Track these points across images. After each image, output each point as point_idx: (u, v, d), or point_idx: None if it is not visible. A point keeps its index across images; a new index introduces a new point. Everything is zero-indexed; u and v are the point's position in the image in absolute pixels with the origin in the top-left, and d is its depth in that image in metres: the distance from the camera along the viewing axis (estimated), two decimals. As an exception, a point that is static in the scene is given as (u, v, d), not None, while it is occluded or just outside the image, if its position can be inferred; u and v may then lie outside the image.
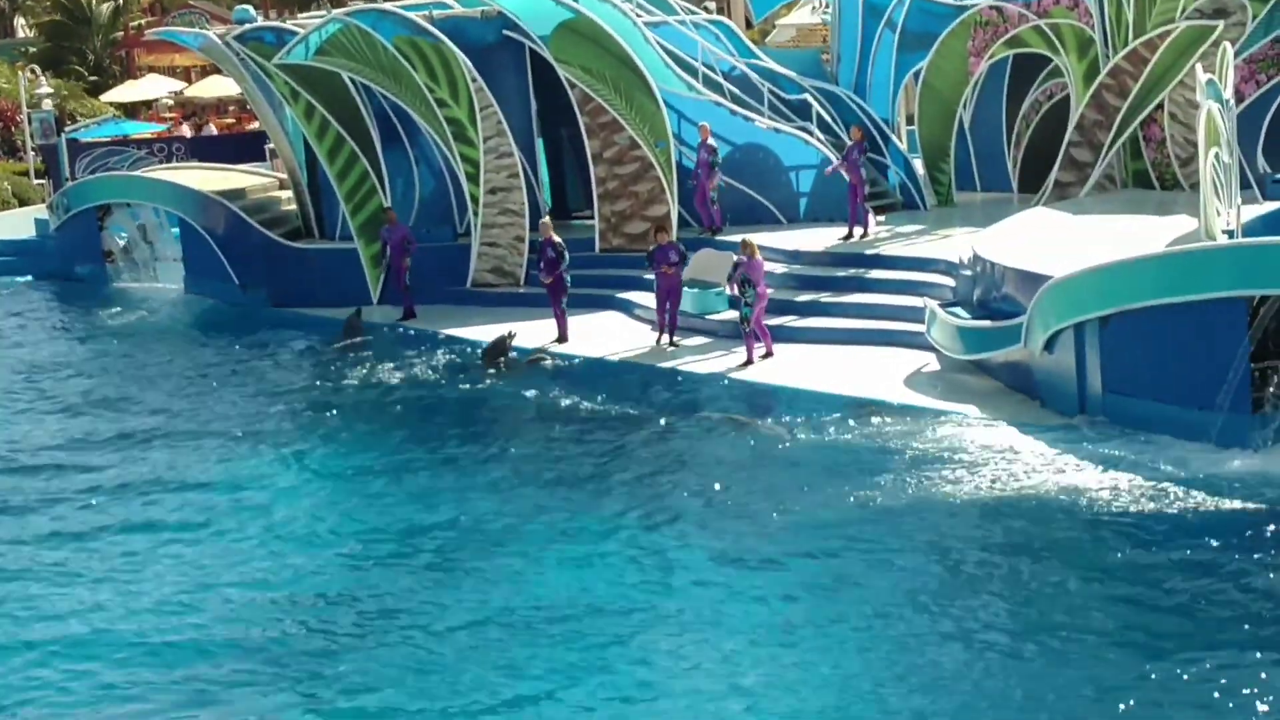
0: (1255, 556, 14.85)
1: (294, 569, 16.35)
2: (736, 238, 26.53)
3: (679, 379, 23.28)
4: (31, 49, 75.83)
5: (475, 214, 29.26)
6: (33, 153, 49.45)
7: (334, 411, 22.83)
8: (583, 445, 20.18)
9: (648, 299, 26.89)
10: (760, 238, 25.29)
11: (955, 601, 14.39)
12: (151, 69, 69.15)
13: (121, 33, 75.36)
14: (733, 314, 24.58)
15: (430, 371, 24.70)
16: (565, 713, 12.72)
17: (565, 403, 22.30)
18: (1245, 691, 12.16)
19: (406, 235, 28.64)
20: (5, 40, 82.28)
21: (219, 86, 59.35)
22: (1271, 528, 15.52)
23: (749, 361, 23.22)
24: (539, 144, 30.89)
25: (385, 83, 29.52)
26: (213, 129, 51.27)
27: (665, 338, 24.66)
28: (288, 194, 33.26)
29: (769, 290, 23.64)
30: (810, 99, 30.04)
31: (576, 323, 25.90)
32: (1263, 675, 12.44)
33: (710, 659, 13.48)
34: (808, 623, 14.16)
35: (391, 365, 25.21)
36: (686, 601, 14.78)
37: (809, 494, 17.47)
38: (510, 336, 24.93)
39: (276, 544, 17.14)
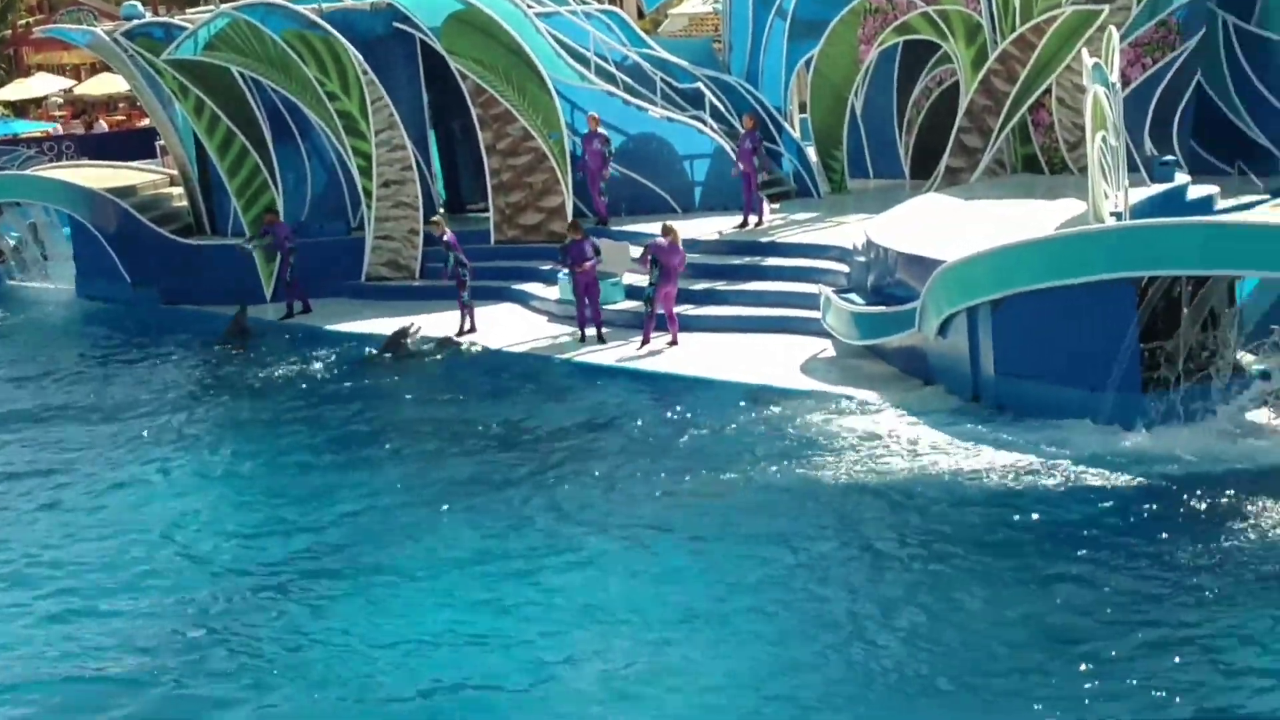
0: (1145, 534, 15.02)
1: (175, 569, 16.16)
2: (632, 227, 26.66)
3: (578, 368, 23.24)
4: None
5: (369, 208, 29.09)
6: (-82, 153, 48.61)
7: (221, 410, 22.61)
8: (478, 436, 20.09)
9: (543, 290, 26.89)
10: (655, 227, 25.31)
11: (848, 586, 14.46)
12: (40, 67, 68.11)
13: (9, 31, 74.17)
14: (632, 303, 24.60)
15: (321, 367, 24.47)
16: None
17: (462, 394, 22.21)
18: (1131, 667, 12.33)
19: (287, 233, 28.36)
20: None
21: (109, 84, 58.58)
22: (1160, 505, 15.72)
23: (646, 341, 23.28)
24: (431, 136, 30.73)
25: (275, 77, 29.26)
26: (103, 126, 50.69)
27: (591, 332, 24.33)
28: (179, 190, 32.90)
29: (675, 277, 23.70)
30: (703, 88, 30.07)
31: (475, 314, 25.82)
32: (1148, 651, 12.62)
33: (597, 649, 13.45)
34: (699, 608, 14.15)
35: (281, 362, 24.97)
36: (572, 590, 14.74)
37: (705, 480, 17.48)
38: (413, 330, 24.79)
39: (158, 544, 16.94)
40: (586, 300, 24.36)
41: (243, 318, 27.32)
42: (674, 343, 23.44)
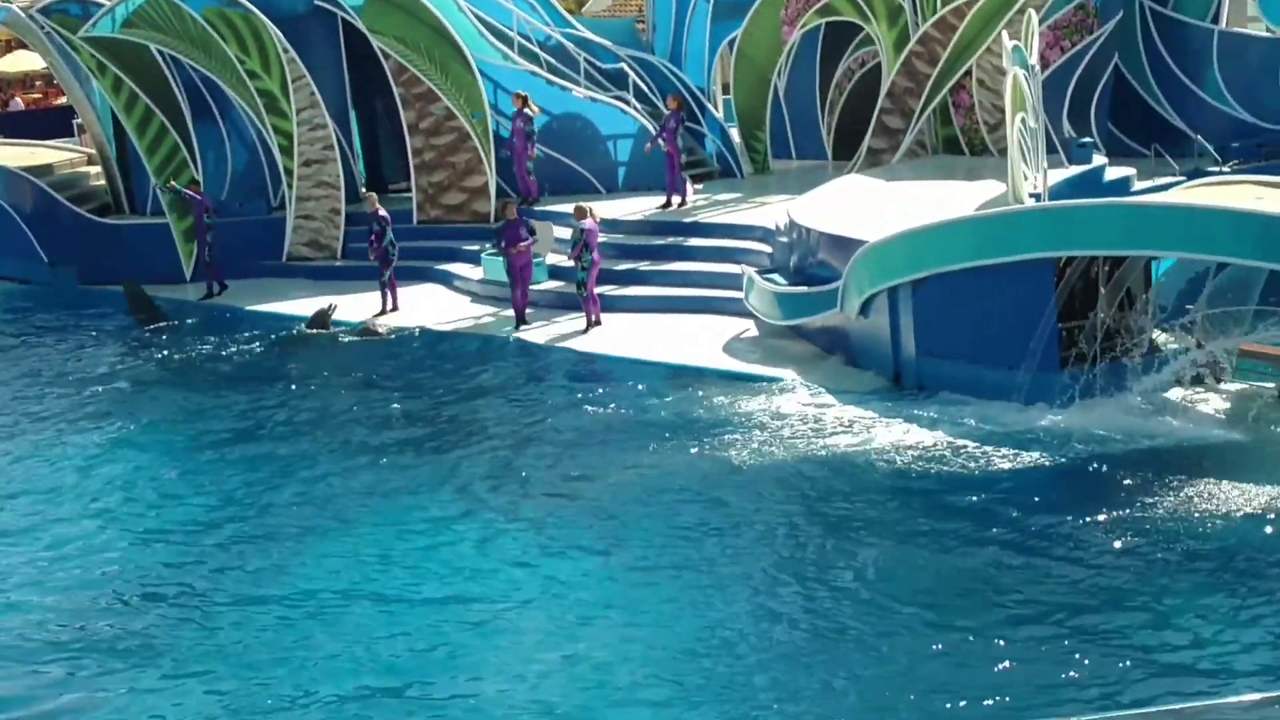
0: (1061, 510, 15.20)
1: (88, 549, 16.07)
2: (555, 207, 26.61)
3: (499, 346, 23.22)
4: None
5: (290, 187, 28.91)
6: None
7: (139, 390, 22.38)
8: (407, 418, 20.04)
9: (467, 270, 26.81)
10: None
11: (766, 568, 14.52)
12: (-47, 43, 67.10)
13: (-80, 6, 73.08)
14: (555, 284, 24.58)
15: (241, 347, 24.32)
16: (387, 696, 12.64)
17: (382, 375, 22.16)
18: (1045, 645, 12.46)
19: (209, 206, 28.15)
20: None
21: (24, 61, 57.75)
22: (1077, 482, 15.92)
23: (596, 324, 23.34)
24: (353, 116, 30.55)
25: (195, 55, 29.00)
26: (19, 104, 50.01)
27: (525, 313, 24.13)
28: (97, 169, 32.54)
29: (599, 257, 23.71)
30: (626, 68, 30.06)
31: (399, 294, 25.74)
32: (1066, 626, 12.76)
33: (514, 630, 13.46)
34: (612, 591, 14.20)
35: (202, 342, 24.79)
36: (505, 575, 14.71)
37: (625, 458, 17.52)
38: (331, 309, 24.70)
39: (72, 523, 16.84)
40: (520, 283, 24.10)
41: (133, 289, 26.73)
42: (596, 323, 23.46)
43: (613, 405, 19.75)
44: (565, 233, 25.54)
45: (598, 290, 23.77)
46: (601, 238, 25.47)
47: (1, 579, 15.39)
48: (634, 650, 12.92)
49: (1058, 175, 22.66)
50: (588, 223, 23.26)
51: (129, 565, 15.65)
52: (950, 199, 22.25)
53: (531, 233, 24.10)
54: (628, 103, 29.29)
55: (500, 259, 24.79)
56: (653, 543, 15.25)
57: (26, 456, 19.49)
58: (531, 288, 24.77)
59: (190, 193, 28.27)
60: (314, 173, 28.88)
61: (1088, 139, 25.94)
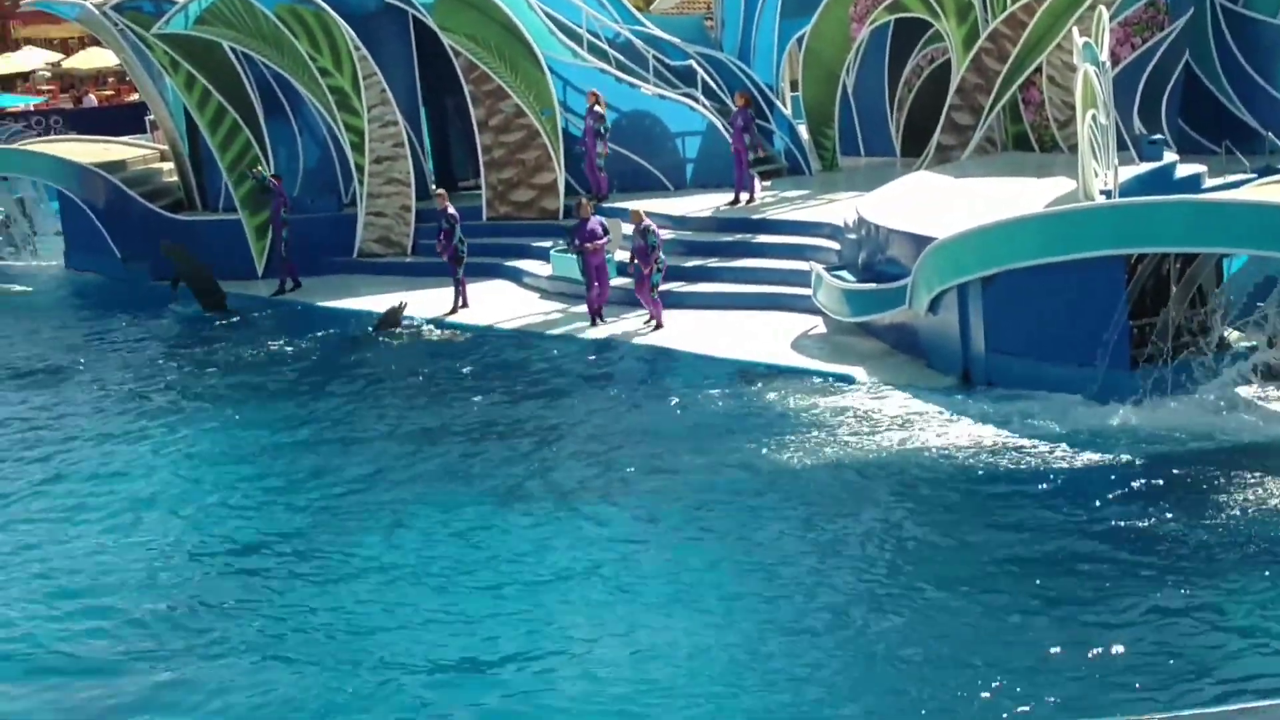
0: (1134, 508, 15.16)
1: (173, 548, 16.23)
2: (625, 204, 26.67)
3: (570, 344, 23.29)
4: (-98, 21, 74.29)
5: (361, 183, 29.12)
6: (-95, 127, 48.52)
7: (213, 387, 22.61)
8: (480, 414, 20.13)
9: (537, 267, 26.92)
10: (647, 204, 25.42)
11: (842, 564, 14.56)
12: (28, 41, 67.93)
13: (-5, 4, 73.98)
14: (623, 281, 24.62)
15: (313, 344, 24.52)
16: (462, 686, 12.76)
17: (463, 372, 22.26)
18: (1114, 642, 12.45)
19: (286, 202, 28.46)
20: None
21: (98, 58, 58.41)
22: (1150, 480, 15.86)
23: (658, 324, 23.40)
24: (424, 113, 30.74)
25: (267, 52, 29.26)
26: (92, 100, 50.60)
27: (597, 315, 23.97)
28: (169, 166, 32.88)
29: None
30: (695, 65, 30.12)
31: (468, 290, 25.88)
32: (1140, 622, 12.75)
33: (590, 626, 13.55)
34: (688, 583, 14.26)
35: (274, 338, 25.01)
36: (576, 570, 14.81)
37: (698, 457, 17.58)
38: (401, 306, 24.85)
39: (156, 520, 17.03)
40: (596, 281, 24.00)
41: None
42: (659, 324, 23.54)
43: (681, 402, 19.82)
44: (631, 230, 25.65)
45: (666, 286, 23.81)
46: (669, 234, 25.62)
47: (80, 565, 15.60)
48: (701, 643, 12.99)
49: (1128, 172, 22.56)
50: (649, 223, 23.24)
51: (208, 551, 15.89)
52: (1020, 196, 22.20)
53: (606, 231, 24.00)
54: (696, 100, 29.35)
55: (572, 256, 24.90)
56: (722, 537, 15.31)
57: (102, 449, 19.71)
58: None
59: (274, 181, 28.48)
60: (385, 169, 29.08)
61: (1158, 136, 25.81)
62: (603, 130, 27.95)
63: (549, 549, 15.33)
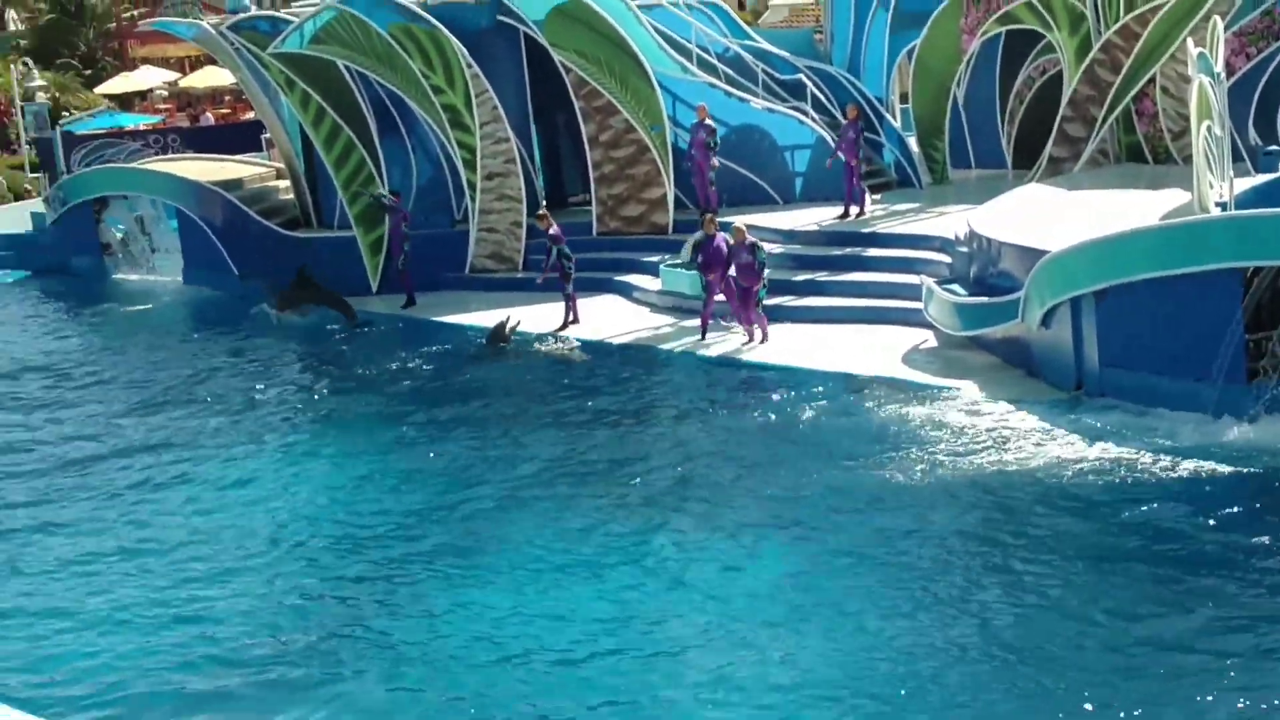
0: (1251, 525, 14.99)
1: (277, 554, 16.52)
2: (733, 218, 26.69)
3: (681, 359, 23.35)
4: (23, 42, 75.80)
5: (473, 200, 29.38)
6: (27, 146, 49.47)
7: (335, 400, 22.93)
8: (589, 427, 20.25)
9: (646, 281, 27.02)
10: (756, 218, 25.49)
11: (954, 579, 14.54)
12: (145, 60, 69.11)
13: (114, 24, 75.32)
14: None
15: (428, 359, 24.74)
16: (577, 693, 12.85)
17: (574, 385, 22.39)
18: (1235, 658, 12.33)
19: (405, 217, 28.75)
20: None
21: (214, 77, 59.29)
22: (1266, 498, 15.68)
23: (765, 337, 23.39)
24: (534, 129, 30.95)
25: (381, 70, 29.61)
26: (209, 119, 51.33)
27: (756, 334, 23.55)
28: (285, 183, 33.36)
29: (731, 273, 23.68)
30: (804, 79, 30.13)
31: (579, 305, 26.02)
32: (1253, 651, 12.61)
33: (701, 639, 13.59)
34: (807, 602, 14.27)
35: (388, 353, 25.29)
36: (688, 583, 14.87)
37: (810, 472, 17.59)
38: (509, 322, 25.02)
39: (261, 528, 17.32)
40: (739, 300, 23.50)
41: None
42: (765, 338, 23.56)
43: (792, 416, 19.83)
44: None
45: (772, 301, 23.83)
46: (779, 248, 25.61)
47: (200, 578, 15.87)
48: (811, 659, 13.01)
49: (1244, 184, 22.24)
50: (756, 240, 23.24)
51: (325, 562, 16.14)
52: (1133, 208, 22.01)
53: (754, 249, 23.32)
54: (805, 113, 29.36)
55: (682, 270, 24.98)
56: (834, 553, 15.31)
57: (224, 462, 20.04)
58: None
59: (392, 200, 28.80)
60: (496, 186, 29.33)
61: (1274, 147, 25.44)
62: (713, 144, 28.02)
63: (658, 564, 15.38)
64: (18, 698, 13.31)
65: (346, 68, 29.88)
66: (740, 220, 24.57)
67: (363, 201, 29.65)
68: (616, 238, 29.03)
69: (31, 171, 47.86)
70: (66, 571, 16.40)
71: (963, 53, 29.60)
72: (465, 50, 28.94)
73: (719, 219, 24.69)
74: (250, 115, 44.92)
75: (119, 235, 36.10)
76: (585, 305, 26.10)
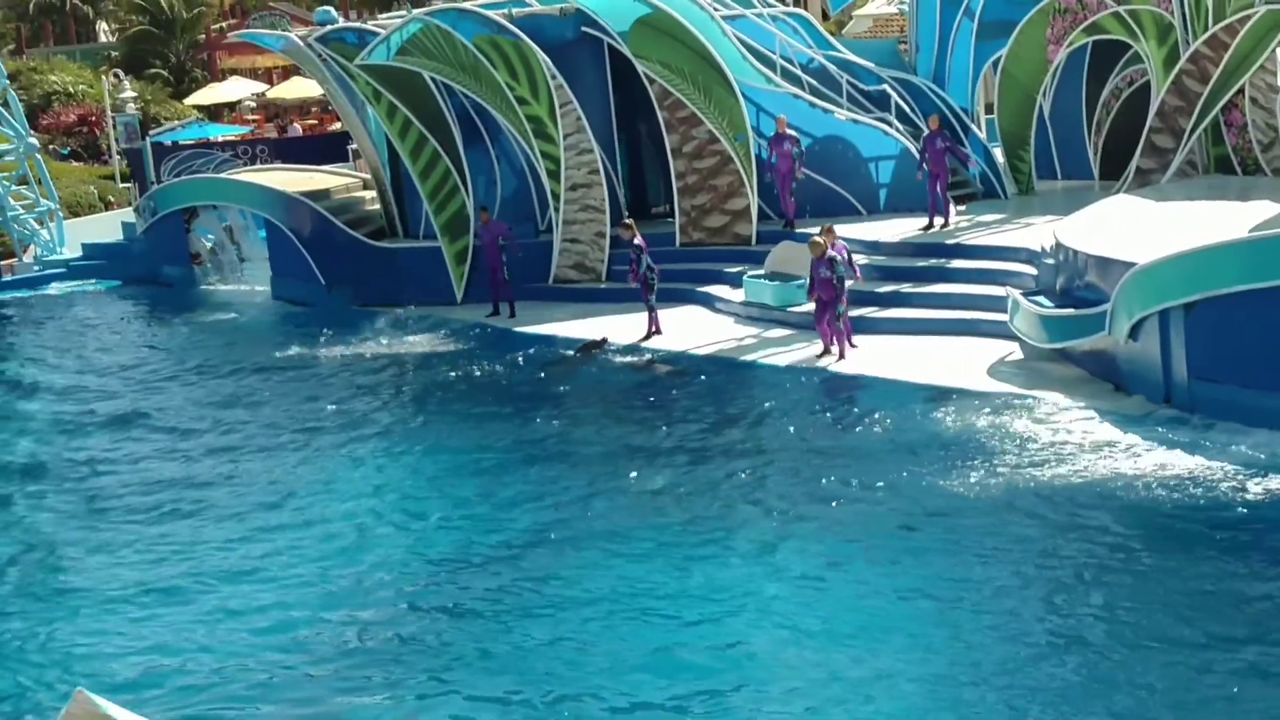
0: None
1: (384, 564, 16.60)
2: (813, 230, 26.64)
3: (764, 371, 23.33)
4: (114, 53, 76.88)
5: (556, 210, 29.50)
6: (118, 156, 50.17)
7: (420, 408, 23.11)
8: (672, 439, 20.26)
9: (728, 293, 27.03)
10: (840, 229, 25.37)
11: (1040, 593, 14.46)
12: (234, 71, 69.89)
13: (203, 35, 76.22)
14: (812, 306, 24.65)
15: (511, 368, 24.86)
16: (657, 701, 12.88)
17: (656, 397, 22.43)
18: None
19: (504, 231, 28.69)
20: (87, 45, 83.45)
21: (301, 88, 59.95)
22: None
23: (841, 354, 23.20)
24: (618, 139, 31.02)
25: (466, 81, 29.80)
26: (296, 130, 51.84)
27: (835, 349, 23.30)
28: (371, 194, 33.62)
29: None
30: (889, 89, 30.07)
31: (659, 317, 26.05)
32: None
33: (801, 652, 13.55)
34: (893, 612, 14.24)
35: (471, 361, 25.46)
36: (772, 594, 14.86)
37: (893, 483, 17.54)
38: (602, 343, 24.58)
39: (372, 541, 17.38)
40: (817, 314, 23.34)
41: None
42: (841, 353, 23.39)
43: (875, 427, 19.79)
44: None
45: (858, 312, 23.78)
46: (863, 259, 25.51)
47: (292, 590, 16.00)
48: (889, 670, 12.97)
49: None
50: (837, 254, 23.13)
51: (412, 573, 16.20)
52: (1222, 220, 21.81)
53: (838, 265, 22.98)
54: (890, 124, 29.30)
55: (765, 281, 24.98)
56: (914, 565, 15.26)
57: (310, 472, 20.23)
58: (793, 309, 24.90)
59: (484, 227, 28.74)
60: (580, 196, 29.44)
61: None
62: (799, 155, 28.00)
63: (743, 575, 15.39)
64: (124, 680, 13.54)
65: (432, 79, 30.07)
66: (823, 234, 24.43)
67: (447, 211, 29.78)
68: (699, 249, 29.06)
69: (122, 181, 48.55)
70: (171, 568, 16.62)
71: (1049, 63, 29.43)
72: (550, 61, 29.07)
73: (800, 230, 24.66)
74: (337, 126, 45.37)
75: (208, 245, 36.51)
76: (667, 316, 26.14)
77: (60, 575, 17.06)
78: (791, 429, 20.24)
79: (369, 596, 15.63)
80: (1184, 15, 26.96)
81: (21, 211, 40.50)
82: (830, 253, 23.03)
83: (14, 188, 40.46)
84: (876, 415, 20.25)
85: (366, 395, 24.13)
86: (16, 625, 15.67)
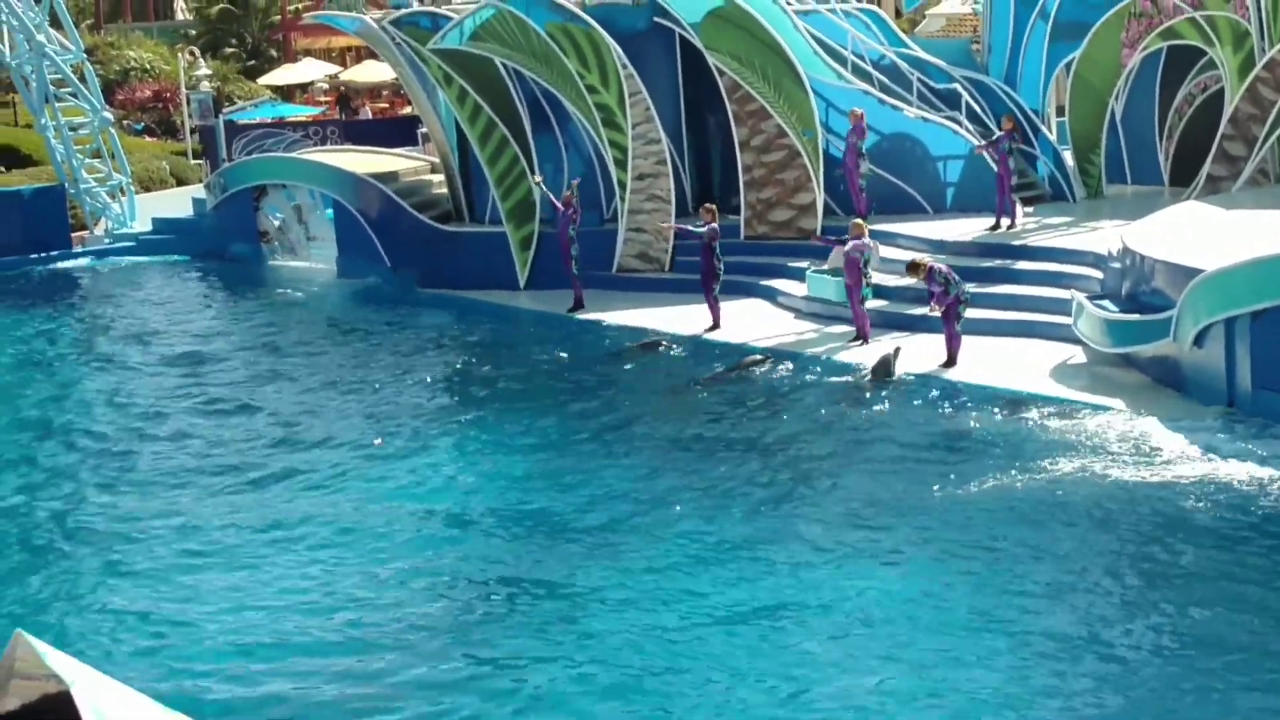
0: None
1: (459, 549, 16.62)
2: (883, 226, 26.60)
3: (826, 366, 23.21)
4: (191, 32, 77.47)
5: (622, 200, 29.54)
6: (191, 133, 50.55)
7: (482, 395, 23.14)
8: (731, 434, 20.16)
9: (792, 286, 26.99)
10: (906, 227, 25.38)
11: (1100, 598, 14.37)
12: (308, 52, 70.24)
13: (279, 16, 76.67)
14: (878, 303, 24.60)
15: (575, 356, 24.91)
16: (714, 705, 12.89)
17: (717, 392, 22.32)
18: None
19: (575, 214, 28.08)
20: (165, 22, 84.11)
21: (373, 71, 60.19)
22: None
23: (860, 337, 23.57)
24: (686, 130, 31.02)
25: (537, 68, 29.88)
26: (367, 113, 52.11)
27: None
28: (439, 178, 33.77)
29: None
30: (960, 89, 29.95)
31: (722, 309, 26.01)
32: None
33: (859, 656, 13.47)
34: (953, 618, 14.15)
35: (537, 348, 25.54)
36: (831, 597, 14.76)
37: (954, 486, 17.44)
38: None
39: (443, 526, 17.37)
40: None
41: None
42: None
43: (934, 428, 19.71)
44: (890, 252, 25.60)
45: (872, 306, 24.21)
46: (928, 259, 25.37)
47: (358, 577, 15.95)
48: (947, 679, 12.92)
49: None
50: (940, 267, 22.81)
51: (483, 561, 16.15)
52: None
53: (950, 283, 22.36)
54: (959, 123, 29.19)
55: (828, 277, 24.97)
56: (985, 571, 15.14)
57: (380, 458, 20.29)
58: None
59: (567, 194, 28.49)
60: (646, 186, 29.47)
61: None
62: (861, 149, 27.96)
63: (806, 580, 15.28)
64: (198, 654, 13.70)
65: (503, 65, 30.18)
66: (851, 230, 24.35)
67: (514, 196, 29.84)
68: (764, 242, 29.04)
69: (194, 158, 48.91)
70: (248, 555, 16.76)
71: (1122, 67, 29.25)
72: (621, 51, 29.11)
73: (869, 226, 24.57)
74: (407, 110, 45.58)
75: (276, 223, 36.75)
76: (728, 309, 26.07)
77: (144, 541, 17.21)
78: (848, 426, 20.14)
79: (432, 583, 15.66)
80: (1261, 22, 26.75)
81: (94, 184, 40.90)
82: (856, 245, 23.26)
83: (88, 161, 40.86)
84: (937, 416, 20.16)
85: (424, 380, 24.13)
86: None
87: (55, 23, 40.65)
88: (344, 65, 68.19)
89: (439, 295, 30.37)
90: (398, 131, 41.84)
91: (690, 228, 26.25)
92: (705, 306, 25.92)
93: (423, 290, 30.95)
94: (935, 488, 17.42)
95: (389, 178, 33.64)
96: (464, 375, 24.62)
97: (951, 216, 28.37)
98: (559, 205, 28.12)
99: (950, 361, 22.37)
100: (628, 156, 29.34)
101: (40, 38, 39.00)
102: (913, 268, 22.84)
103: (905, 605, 14.45)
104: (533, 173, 29.78)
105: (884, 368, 22.19)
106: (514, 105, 30.36)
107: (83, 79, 40.50)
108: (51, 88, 39.75)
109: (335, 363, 25.81)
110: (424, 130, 36.54)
